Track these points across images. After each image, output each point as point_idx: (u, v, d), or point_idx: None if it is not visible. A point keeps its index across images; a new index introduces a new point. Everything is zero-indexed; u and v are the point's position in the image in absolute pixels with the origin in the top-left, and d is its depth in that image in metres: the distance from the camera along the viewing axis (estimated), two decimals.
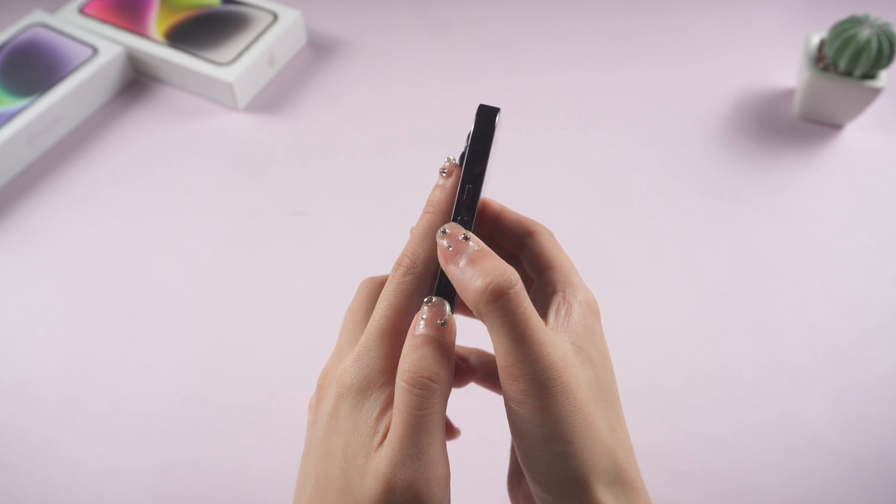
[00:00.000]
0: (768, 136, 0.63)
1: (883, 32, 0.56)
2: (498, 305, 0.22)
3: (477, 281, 0.23)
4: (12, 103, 0.60)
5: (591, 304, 0.26)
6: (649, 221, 0.57)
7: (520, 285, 0.23)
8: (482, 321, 0.23)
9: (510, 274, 0.23)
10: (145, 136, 0.63)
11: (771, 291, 0.52)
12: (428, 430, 0.22)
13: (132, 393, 0.47)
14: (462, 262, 0.24)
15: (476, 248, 0.24)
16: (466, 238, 0.24)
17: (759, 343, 0.50)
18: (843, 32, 0.57)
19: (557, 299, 0.26)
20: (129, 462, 0.44)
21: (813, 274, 0.53)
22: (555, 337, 0.24)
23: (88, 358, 0.49)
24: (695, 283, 0.53)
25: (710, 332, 0.50)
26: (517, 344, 0.22)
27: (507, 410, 0.24)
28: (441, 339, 0.24)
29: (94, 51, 0.65)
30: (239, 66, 0.63)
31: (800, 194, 0.59)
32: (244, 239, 0.56)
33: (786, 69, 0.68)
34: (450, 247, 0.24)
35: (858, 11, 0.59)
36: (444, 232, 0.24)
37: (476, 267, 0.23)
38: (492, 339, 0.23)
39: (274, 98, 0.67)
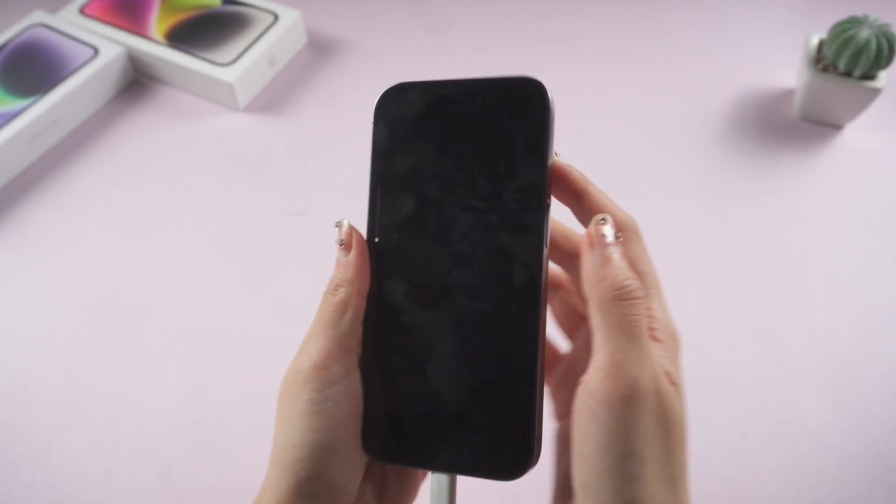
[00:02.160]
0: (768, 136, 0.63)
1: (882, 33, 0.56)
2: (626, 304, 0.22)
3: (614, 277, 0.23)
4: (13, 104, 0.60)
5: (676, 339, 0.25)
6: (649, 222, 0.57)
7: (646, 302, 0.23)
8: (595, 314, 0.23)
9: (641, 287, 0.23)
10: (145, 136, 0.63)
11: (771, 291, 0.52)
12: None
13: (132, 393, 0.47)
14: (613, 254, 0.23)
15: (619, 252, 0.24)
16: (619, 237, 0.24)
17: (759, 343, 0.50)
18: (843, 33, 0.57)
19: None
20: (129, 462, 0.44)
21: (813, 274, 0.53)
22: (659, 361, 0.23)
23: (89, 358, 0.49)
24: (695, 283, 0.53)
25: (710, 333, 0.50)
26: (633, 344, 0.22)
27: (580, 416, 0.22)
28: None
29: (95, 51, 0.65)
30: (239, 66, 0.64)
31: (800, 194, 0.59)
32: (244, 239, 0.56)
33: (786, 69, 0.68)
34: (606, 235, 0.24)
35: (858, 12, 0.59)
36: (603, 220, 0.24)
37: (616, 266, 0.23)
38: (600, 337, 0.22)
39: (274, 98, 0.67)
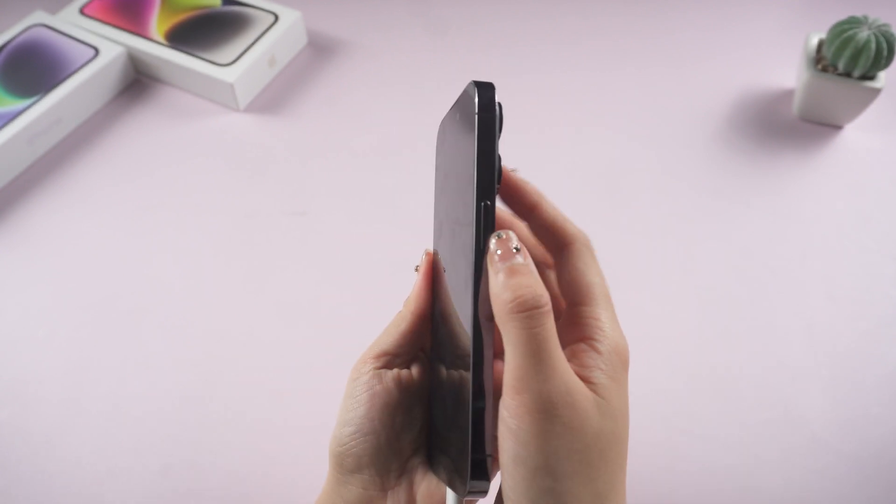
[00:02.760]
0: (768, 136, 0.63)
1: (882, 33, 0.56)
2: (521, 317, 0.22)
3: (507, 292, 0.23)
4: (13, 104, 0.60)
5: (622, 353, 0.24)
6: (649, 222, 0.57)
7: (548, 309, 0.22)
8: (502, 331, 0.23)
9: (542, 296, 0.22)
10: (146, 136, 0.63)
11: (771, 291, 0.52)
12: None
13: (132, 393, 0.47)
14: (502, 271, 0.23)
15: (520, 262, 0.23)
16: (517, 250, 0.24)
17: (759, 343, 0.50)
18: (843, 33, 0.57)
19: (582, 346, 0.24)
20: (129, 462, 0.44)
21: (813, 274, 0.53)
22: (573, 374, 0.23)
23: (89, 358, 0.49)
24: (695, 283, 0.53)
25: (710, 332, 0.50)
26: (533, 359, 0.22)
27: (499, 428, 0.23)
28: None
29: (95, 51, 0.65)
30: (239, 66, 0.64)
31: (799, 194, 0.59)
32: (244, 239, 0.56)
33: (785, 69, 0.68)
34: (498, 251, 0.24)
35: (858, 12, 0.59)
36: (499, 236, 0.24)
37: (511, 279, 0.23)
38: (506, 352, 0.23)
39: (274, 98, 0.67)
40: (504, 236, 0.24)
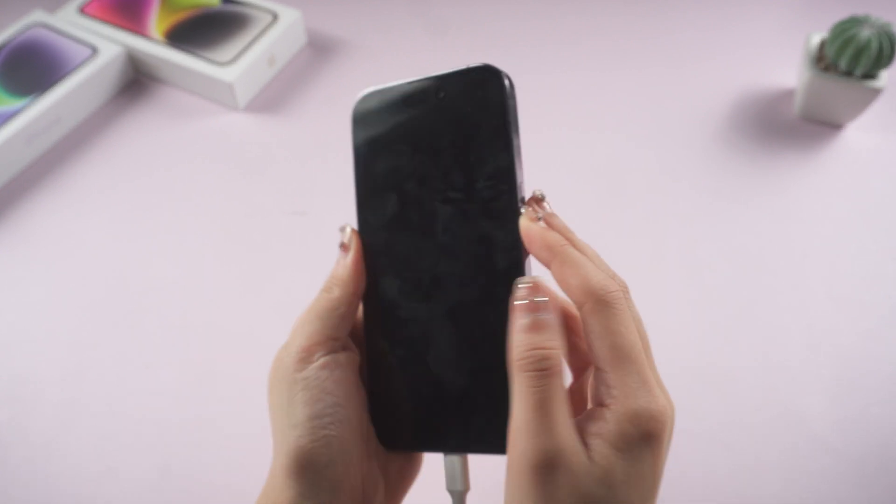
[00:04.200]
0: (768, 136, 0.63)
1: (884, 32, 0.56)
2: (526, 375, 0.23)
3: (520, 347, 0.23)
4: (12, 103, 0.60)
5: (640, 421, 0.23)
6: (649, 221, 0.57)
7: (554, 371, 0.23)
8: (512, 380, 0.24)
9: (548, 359, 0.23)
10: (145, 136, 0.63)
11: (771, 291, 0.52)
12: None
13: (132, 393, 0.47)
14: (522, 322, 0.24)
15: (538, 318, 0.24)
16: (540, 302, 0.24)
17: (759, 343, 0.50)
18: (844, 32, 0.57)
19: (597, 411, 0.24)
20: (128, 462, 0.44)
21: (813, 274, 0.53)
22: (572, 436, 0.23)
23: (89, 358, 0.49)
24: (695, 283, 0.53)
25: (710, 333, 0.50)
26: (530, 414, 0.22)
27: (506, 473, 0.23)
28: None
29: (94, 51, 0.65)
30: (239, 65, 0.63)
31: (800, 194, 0.59)
32: (244, 239, 0.56)
33: (786, 69, 0.68)
34: (524, 300, 0.24)
35: (859, 11, 0.59)
36: (526, 284, 0.24)
37: (526, 334, 0.23)
38: (512, 402, 0.23)
39: (274, 98, 0.66)
40: (531, 284, 0.24)
